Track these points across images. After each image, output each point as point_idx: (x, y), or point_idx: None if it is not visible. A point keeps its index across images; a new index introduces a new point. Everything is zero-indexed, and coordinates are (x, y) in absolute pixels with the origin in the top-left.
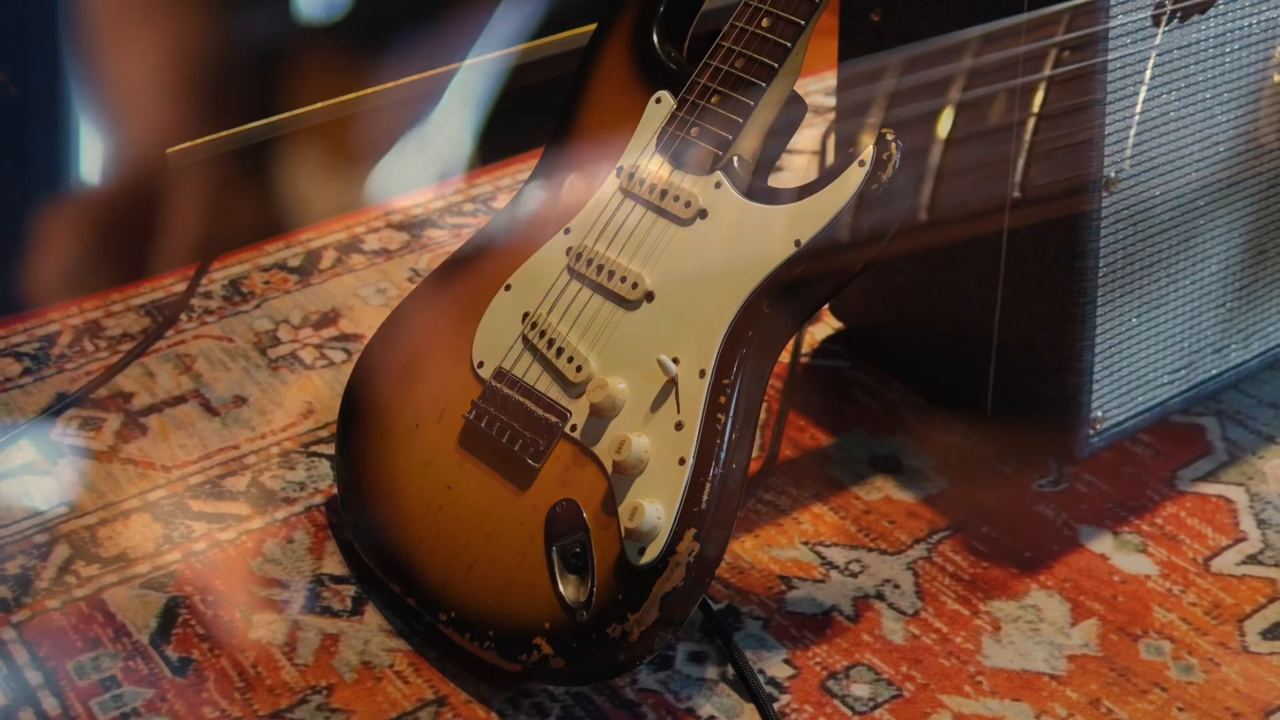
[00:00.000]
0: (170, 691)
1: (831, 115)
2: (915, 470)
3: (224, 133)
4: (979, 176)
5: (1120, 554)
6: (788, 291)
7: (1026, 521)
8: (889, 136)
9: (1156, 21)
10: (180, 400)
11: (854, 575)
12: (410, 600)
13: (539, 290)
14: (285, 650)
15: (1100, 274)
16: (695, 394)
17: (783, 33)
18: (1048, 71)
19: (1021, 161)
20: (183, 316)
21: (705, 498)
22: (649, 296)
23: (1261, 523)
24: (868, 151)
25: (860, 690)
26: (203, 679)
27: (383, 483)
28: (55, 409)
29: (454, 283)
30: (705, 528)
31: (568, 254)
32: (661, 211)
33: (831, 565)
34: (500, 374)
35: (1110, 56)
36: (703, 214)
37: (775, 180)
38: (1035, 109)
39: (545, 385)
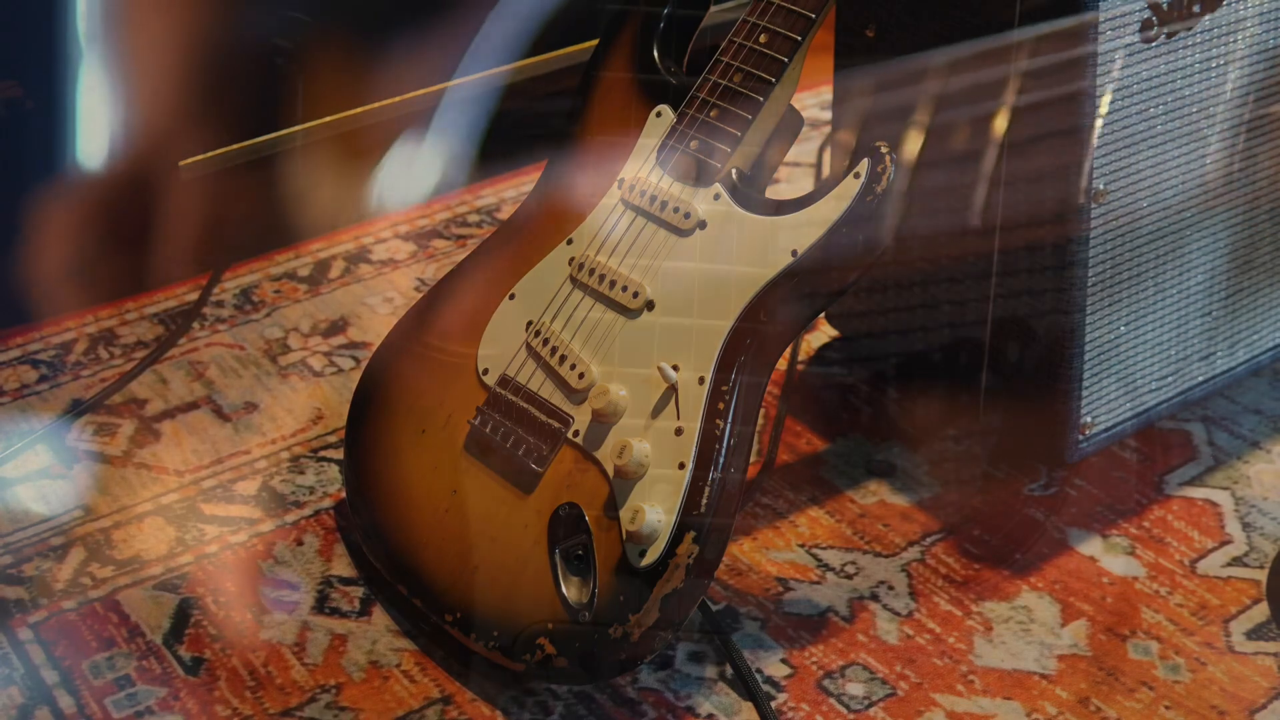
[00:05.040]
0: (183, 690)
1: (827, 129)
2: (909, 475)
3: (235, 145)
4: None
5: (1109, 556)
6: (785, 300)
7: (1018, 524)
8: (884, 150)
9: (1146, 39)
10: (193, 406)
11: (849, 577)
12: (417, 601)
13: (542, 299)
14: (295, 650)
15: (1090, 283)
16: (695, 400)
17: (780, 48)
18: (1036, 83)
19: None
20: (195, 325)
21: (704, 501)
22: (649, 305)
23: (1246, 526)
24: (863, 164)
25: (855, 689)
26: (214, 678)
27: (390, 487)
28: (70, 415)
29: (459, 292)
30: (704, 531)
31: (570, 264)
32: (662, 222)
33: (827, 567)
34: (505, 381)
35: (1100, 70)
36: (702, 225)
37: (772, 192)
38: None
39: (549, 392)
